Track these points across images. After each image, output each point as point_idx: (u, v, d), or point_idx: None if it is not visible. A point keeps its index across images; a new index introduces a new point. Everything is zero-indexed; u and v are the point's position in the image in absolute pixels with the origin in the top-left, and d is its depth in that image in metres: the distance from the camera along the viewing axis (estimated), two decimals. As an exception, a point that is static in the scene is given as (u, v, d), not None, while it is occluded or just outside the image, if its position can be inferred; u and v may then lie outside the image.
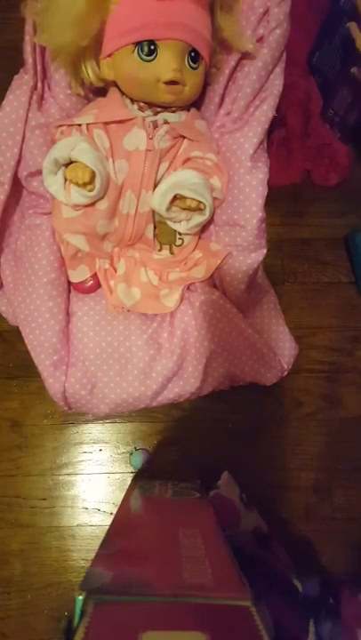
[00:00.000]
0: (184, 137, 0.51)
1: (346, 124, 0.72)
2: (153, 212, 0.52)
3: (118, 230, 0.53)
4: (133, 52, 0.46)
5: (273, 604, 0.49)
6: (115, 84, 0.51)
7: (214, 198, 0.53)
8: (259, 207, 0.52)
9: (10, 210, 0.56)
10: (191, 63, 0.47)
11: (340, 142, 0.73)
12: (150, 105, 0.50)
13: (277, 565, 0.57)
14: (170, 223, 0.53)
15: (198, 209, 0.51)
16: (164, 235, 0.54)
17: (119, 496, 0.67)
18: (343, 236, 0.74)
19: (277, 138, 0.70)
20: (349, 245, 0.73)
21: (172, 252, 0.55)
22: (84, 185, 0.47)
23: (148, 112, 0.50)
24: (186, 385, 0.54)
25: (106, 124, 0.49)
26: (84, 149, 0.47)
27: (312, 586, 0.57)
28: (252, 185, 0.52)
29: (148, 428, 0.69)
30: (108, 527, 0.37)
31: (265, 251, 0.54)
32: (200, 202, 0.50)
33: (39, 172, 0.51)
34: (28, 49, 0.48)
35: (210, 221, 0.55)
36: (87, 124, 0.49)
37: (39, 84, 0.51)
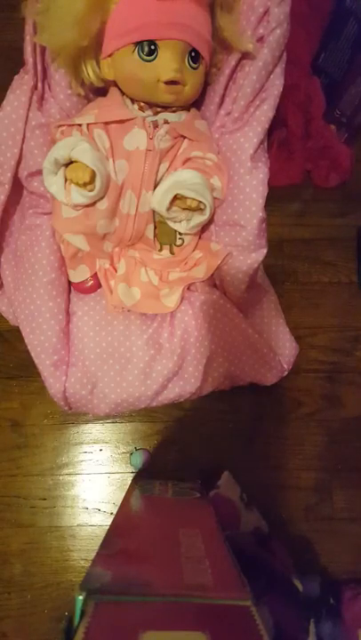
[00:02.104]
0: (184, 137, 0.51)
1: (353, 124, 0.72)
2: (153, 212, 0.52)
3: (118, 230, 0.53)
4: (134, 51, 0.46)
5: (273, 604, 0.49)
6: (115, 84, 0.51)
7: (214, 198, 0.53)
8: (259, 207, 0.52)
9: (10, 210, 0.56)
10: (191, 63, 0.47)
11: (343, 144, 0.73)
12: (150, 105, 0.50)
13: (278, 566, 0.57)
14: (170, 223, 0.53)
15: (198, 209, 0.51)
16: (164, 235, 0.54)
17: (119, 496, 0.67)
18: (345, 236, 0.74)
19: (278, 138, 0.69)
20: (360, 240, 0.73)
21: (172, 252, 0.55)
22: (85, 185, 0.47)
23: (149, 112, 0.50)
24: (186, 385, 0.54)
25: (106, 123, 0.49)
26: (84, 149, 0.47)
27: (313, 586, 0.57)
28: (252, 185, 0.52)
29: (148, 428, 0.69)
30: (108, 527, 0.37)
31: (265, 251, 0.54)
32: (200, 202, 0.50)
33: (39, 172, 0.51)
34: (28, 49, 0.48)
35: (210, 221, 0.55)
36: (87, 124, 0.49)
37: (39, 84, 0.51)
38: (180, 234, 0.55)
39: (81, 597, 0.24)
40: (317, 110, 0.71)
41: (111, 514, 0.68)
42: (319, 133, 0.71)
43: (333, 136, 0.73)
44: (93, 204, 0.50)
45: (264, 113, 0.51)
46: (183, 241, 0.55)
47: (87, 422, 0.69)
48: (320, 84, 0.71)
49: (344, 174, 0.73)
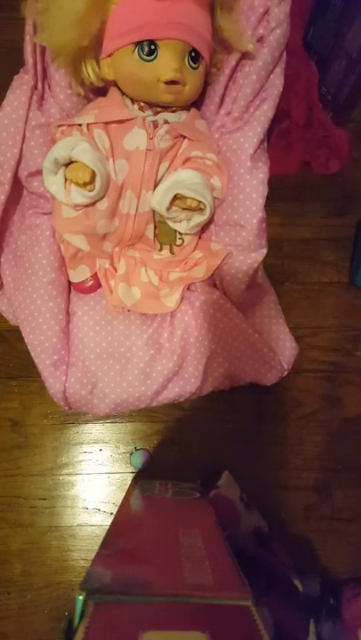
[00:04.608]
0: (184, 137, 0.51)
1: (337, 101, 0.71)
2: (153, 211, 0.52)
3: (118, 230, 0.53)
4: (133, 51, 0.46)
5: (273, 605, 0.49)
6: (115, 84, 0.51)
7: (214, 198, 0.53)
8: (259, 207, 0.52)
9: (10, 210, 0.56)
10: (191, 63, 0.47)
11: (340, 129, 0.71)
12: (150, 105, 0.50)
13: (278, 566, 0.57)
14: (170, 223, 0.53)
15: (198, 209, 0.51)
16: (164, 235, 0.54)
17: (119, 496, 0.67)
18: (345, 236, 0.74)
19: (279, 128, 0.69)
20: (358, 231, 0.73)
21: (172, 252, 0.55)
22: (85, 185, 0.47)
23: (149, 112, 0.50)
24: (186, 385, 0.54)
25: (106, 123, 0.49)
26: (84, 149, 0.47)
27: (313, 586, 0.57)
28: (252, 185, 0.52)
29: (148, 428, 0.69)
30: (108, 527, 0.37)
31: (265, 250, 0.54)
32: (200, 202, 0.50)
33: (39, 172, 0.51)
34: (28, 49, 0.48)
35: (210, 221, 0.55)
36: (87, 124, 0.49)
37: (39, 84, 0.51)
38: (180, 234, 0.55)
39: (81, 597, 0.24)
40: (316, 94, 0.70)
41: (111, 514, 0.68)
42: (319, 120, 0.71)
43: (330, 122, 0.72)
44: (93, 203, 0.50)
45: (264, 113, 0.51)
46: (183, 241, 0.55)
47: (87, 422, 0.69)
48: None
49: (344, 159, 0.72)
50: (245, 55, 0.50)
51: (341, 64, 0.66)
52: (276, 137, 0.70)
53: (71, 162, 0.48)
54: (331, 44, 0.67)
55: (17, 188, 0.54)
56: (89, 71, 0.49)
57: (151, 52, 0.45)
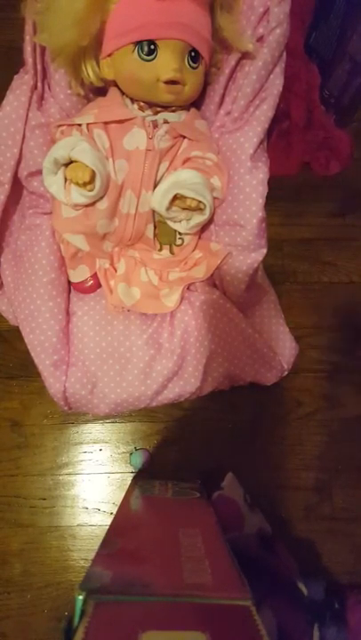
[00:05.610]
0: (184, 137, 0.51)
1: (340, 105, 0.71)
2: (153, 211, 0.52)
3: (118, 230, 0.53)
4: (133, 51, 0.46)
5: (277, 607, 0.49)
6: (115, 84, 0.51)
7: (214, 198, 0.53)
8: (259, 207, 0.52)
9: (10, 210, 0.56)
10: (191, 63, 0.47)
11: (341, 131, 0.72)
12: (150, 105, 0.50)
13: (282, 568, 0.57)
14: (170, 223, 0.53)
15: (198, 209, 0.51)
16: (164, 234, 0.54)
17: (119, 496, 0.67)
18: (345, 236, 0.74)
19: (279, 129, 0.69)
20: None
21: (172, 252, 0.55)
22: (84, 185, 0.47)
23: (148, 112, 0.50)
24: (186, 385, 0.54)
25: (106, 123, 0.49)
26: (84, 149, 0.47)
27: (317, 590, 0.57)
28: (252, 185, 0.52)
29: (148, 427, 0.69)
30: (108, 527, 0.37)
31: (265, 250, 0.54)
32: (200, 201, 0.50)
33: (39, 172, 0.51)
34: (28, 49, 0.48)
35: (210, 221, 0.55)
36: (87, 124, 0.49)
37: (39, 84, 0.51)
38: (179, 234, 0.55)
39: (81, 597, 0.24)
40: (317, 96, 0.70)
41: (111, 514, 0.68)
42: (320, 122, 0.71)
43: (332, 124, 0.72)
44: (93, 203, 0.50)
45: (264, 113, 0.51)
46: (183, 241, 0.55)
47: (87, 422, 0.69)
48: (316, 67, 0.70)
49: (345, 161, 0.72)
50: (245, 55, 0.50)
51: (345, 67, 0.67)
52: (276, 137, 0.70)
53: (71, 162, 0.48)
54: (334, 48, 0.67)
55: (17, 187, 0.54)
56: (89, 71, 0.49)
57: (151, 52, 0.45)
